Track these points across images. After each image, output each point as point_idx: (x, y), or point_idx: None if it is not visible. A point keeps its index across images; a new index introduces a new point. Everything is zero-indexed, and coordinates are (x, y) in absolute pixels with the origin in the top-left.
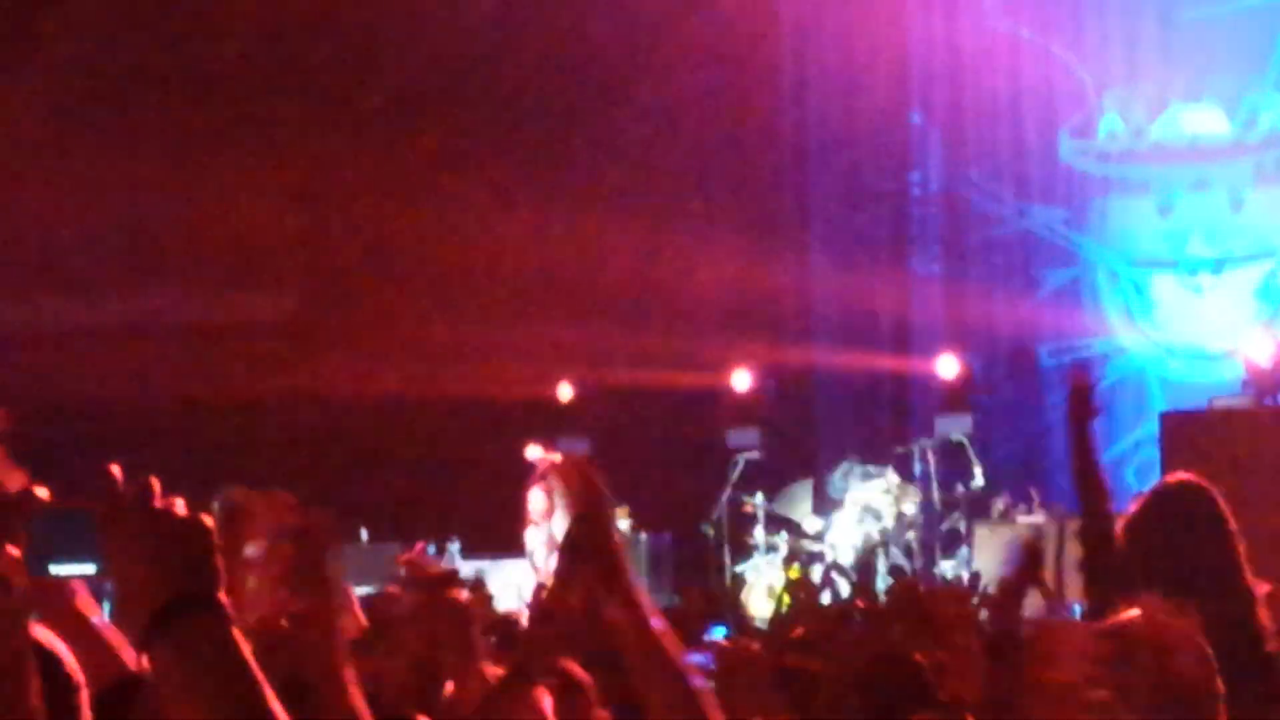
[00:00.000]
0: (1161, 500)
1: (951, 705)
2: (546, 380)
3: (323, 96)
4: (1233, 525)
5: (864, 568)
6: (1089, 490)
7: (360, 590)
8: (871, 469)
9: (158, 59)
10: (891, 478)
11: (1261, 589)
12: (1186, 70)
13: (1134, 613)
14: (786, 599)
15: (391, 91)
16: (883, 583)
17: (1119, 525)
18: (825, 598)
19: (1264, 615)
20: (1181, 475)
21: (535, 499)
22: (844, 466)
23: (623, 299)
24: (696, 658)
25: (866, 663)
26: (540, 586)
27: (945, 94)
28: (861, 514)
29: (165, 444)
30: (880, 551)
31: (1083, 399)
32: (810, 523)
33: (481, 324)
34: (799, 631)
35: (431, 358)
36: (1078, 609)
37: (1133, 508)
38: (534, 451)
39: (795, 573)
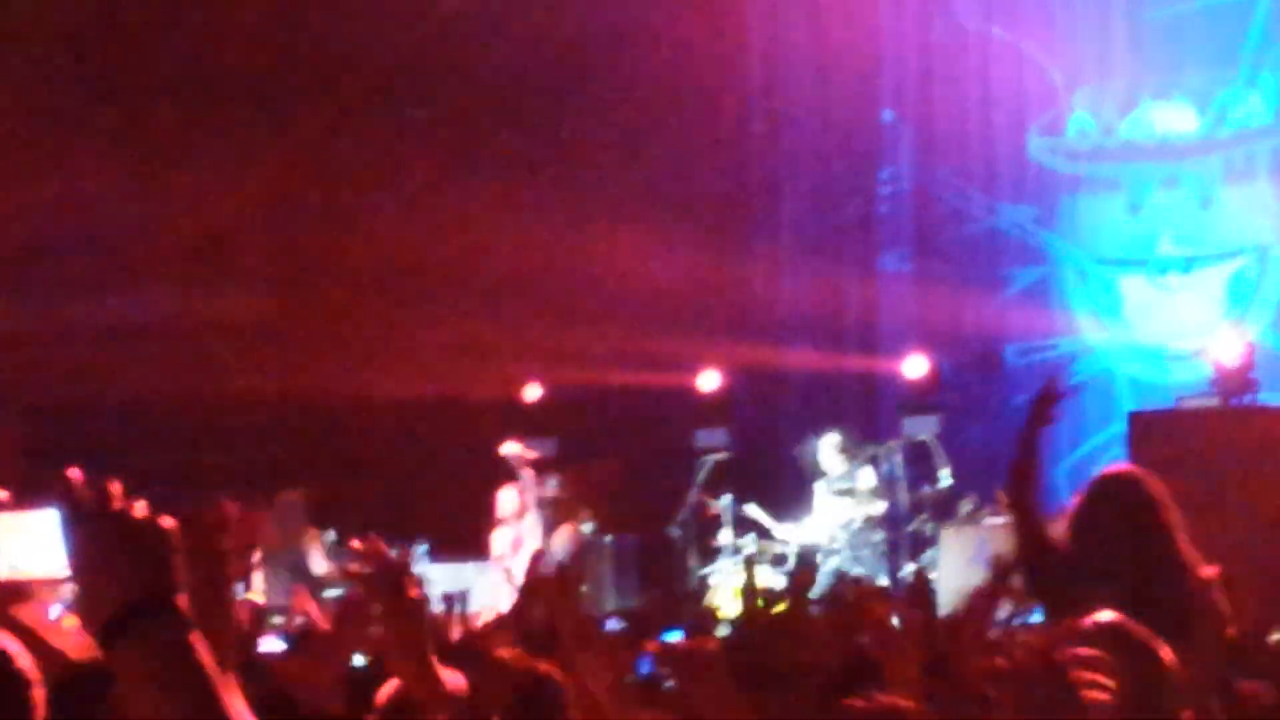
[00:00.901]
0: (1101, 491)
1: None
2: (514, 381)
3: (296, 96)
4: (1172, 511)
5: (803, 568)
6: (1023, 489)
7: (331, 592)
8: (854, 461)
9: (130, 59)
10: (867, 478)
11: (1210, 571)
12: (1156, 68)
13: (1104, 617)
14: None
15: (364, 92)
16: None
17: (1063, 518)
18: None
19: (1216, 597)
20: (1119, 465)
21: (505, 499)
22: (832, 440)
23: (590, 299)
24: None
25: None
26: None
27: (916, 92)
28: (830, 523)
29: (137, 443)
30: (824, 555)
31: (1046, 405)
32: (779, 527)
33: (449, 324)
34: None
35: (400, 358)
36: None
37: (1074, 500)
38: (508, 448)
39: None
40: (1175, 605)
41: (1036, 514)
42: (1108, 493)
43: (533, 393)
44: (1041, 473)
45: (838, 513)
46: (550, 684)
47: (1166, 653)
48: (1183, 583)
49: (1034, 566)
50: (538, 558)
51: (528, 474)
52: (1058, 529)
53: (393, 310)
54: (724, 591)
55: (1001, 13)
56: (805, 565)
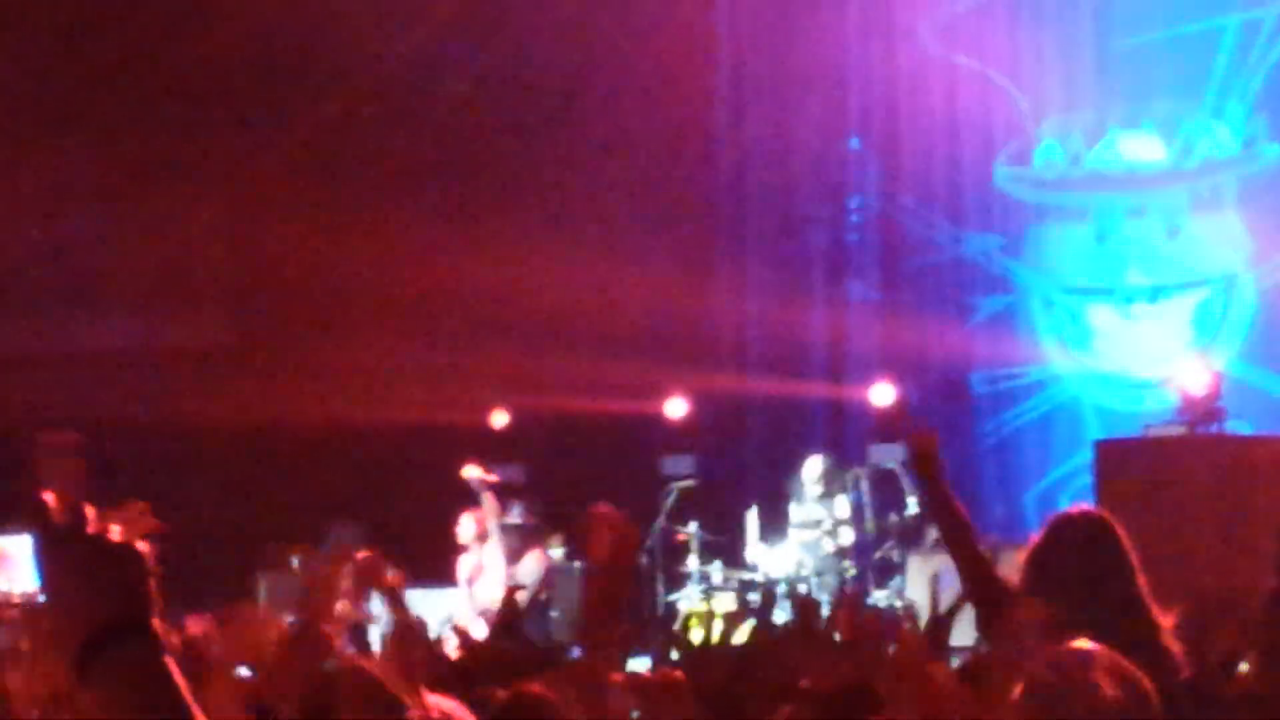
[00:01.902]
0: (1061, 531)
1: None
2: (481, 407)
3: (259, 121)
4: (1131, 554)
5: (764, 597)
6: (956, 538)
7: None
8: (832, 488)
9: (93, 84)
10: (842, 507)
11: (1167, 620)
12: (1123, 97)
13: (1084, 645)
14: (696, 627)
15: (328, 118)
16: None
17: (1022, 555)
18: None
19: (1172, 643)
20: (1081, 506)
21: (465, 525)
22: (816, 464)
23: (557, 325)
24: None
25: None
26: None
27: (882, 120)
28: (799, 550)
29: (97, 469)
30: (793, 584)
31: (925, 459)
32: (751, 550)
33: (416, 350)
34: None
35: (366, 384)
36: None
37: (1034, 539)
38: (469, 471)
39: (705, 605)
40: (1128, 649)
41: (977, 557)
42: (1067, 533)
43: (500, 419)
44: (963, 516)
45: (807, 540)
46: (543, 705)
47: (1149, 685)
48: (1136, 629)
49: (984, 604)
50: (512, 594)
51: (489, 498)
52: (1016, 564)
53: (357, 336)
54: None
55: (968, 42)
56: (767, 592)
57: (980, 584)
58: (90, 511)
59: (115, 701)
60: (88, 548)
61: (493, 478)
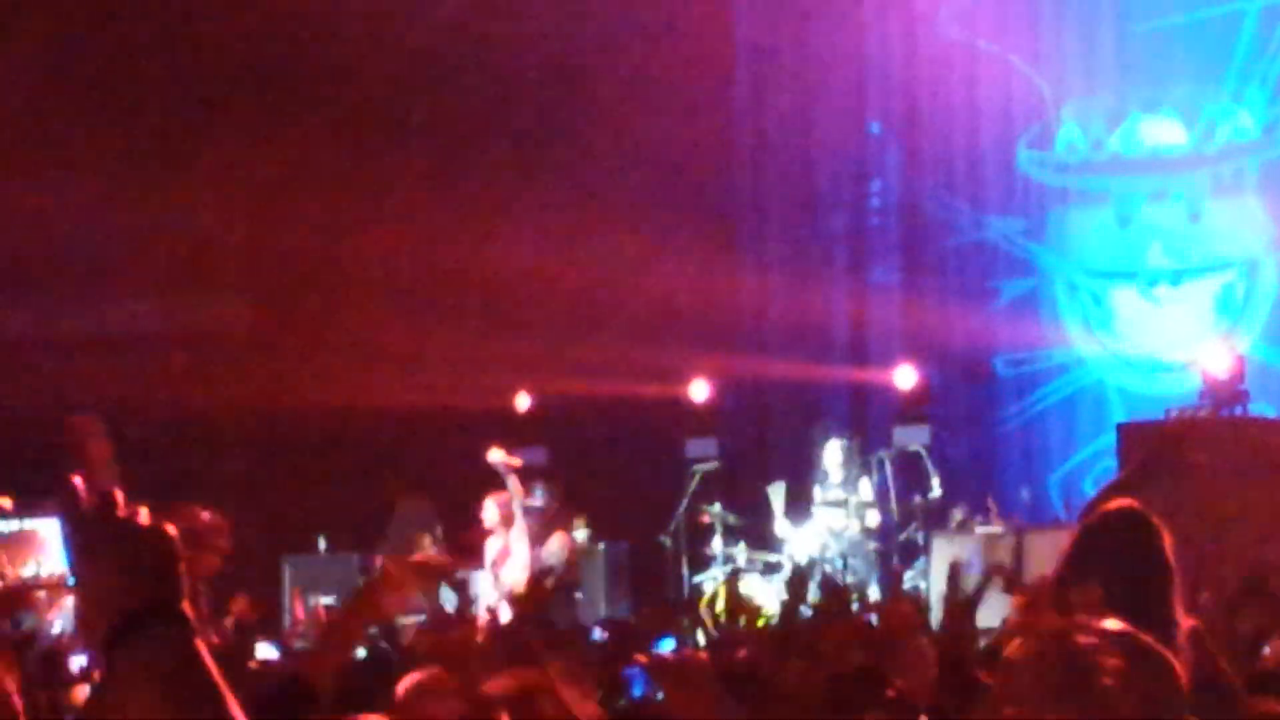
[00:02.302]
0: (1098, 533)
1: (900, 703)
2: (504, 390)
3: (282, 105)
4: (1171, 559)
5: (796, 580)
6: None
7: (323, 599)
8: (851, 470)
9: (112, 67)
10: (865, 490)
11: (1186, 623)
12: (1144, 81)
13: (1112, 624)
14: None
15: (350, 101)
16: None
17: (1062, 549)
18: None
19: (1186, 647)
20: (1122, 502)
21: (489, 509)
22: (836, 448)
23: (580, 309)
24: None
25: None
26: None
27: (903, 104)
28: (824, 531)
29: (122, 453)
30: (818, 565)
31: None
32: (779, 525)
33: (439, 334)
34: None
35: (389, 367)
36: None
37: (1072, 537)
38: (493, 454)
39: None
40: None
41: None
42: (1106, 534)
43: (523, 402)
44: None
45: (832, 522)
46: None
47: (1179, 665)
48: (1164, 636)
49: None
50: (542, 577)
51: (513, 481)
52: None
53: (379, 320)
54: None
55: (988, 26)
56: (798, 575)
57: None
58: (119, 495)
59: (146, 684)
60: (117, 531)
61: (517, 461)
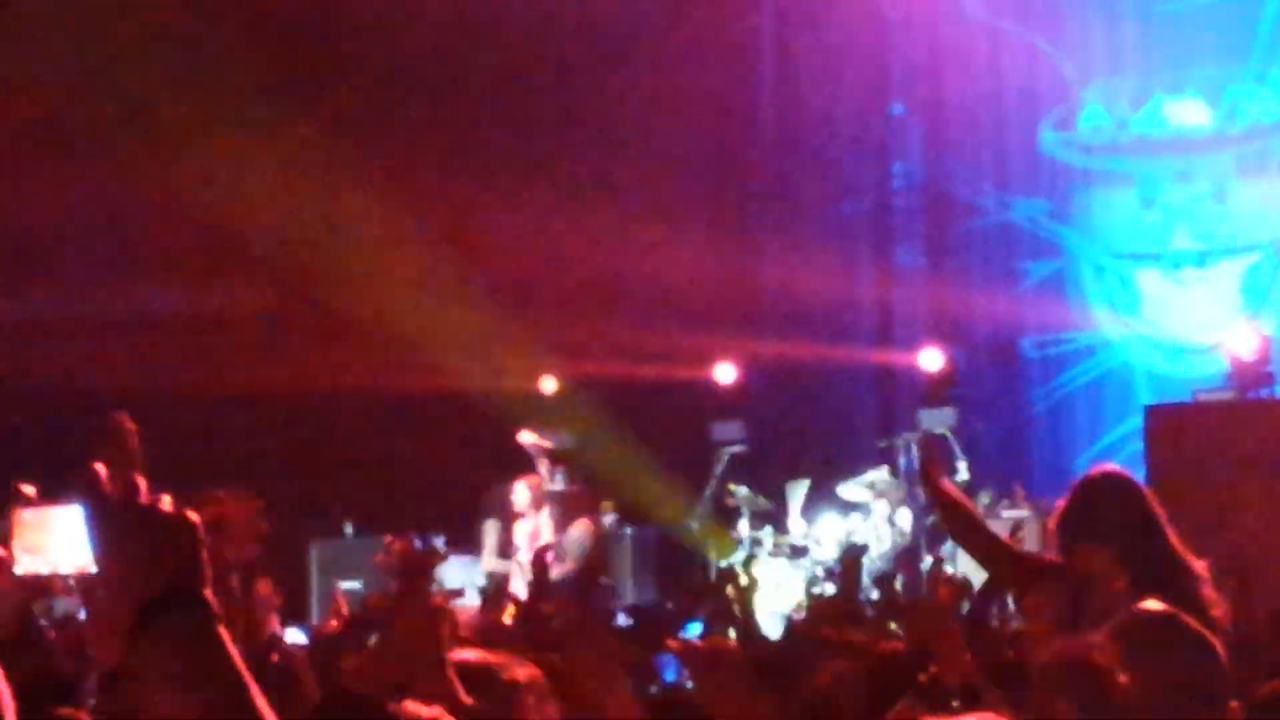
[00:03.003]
0: (1088, 492)
1: (933, 687)
2: (530, 373)
3: (302, 85)
4: (1159, 510)
5: (848, 568)
6: (969, 534)
7: (346, 584)
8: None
9: (132, 50)
10: (880, 474)
11: (1199, 564)
12: (1168, 62)
13: (1153, 606)
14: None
15: (372, 87)
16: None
17: (1051, 519)
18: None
19: (1212, 593)
20: (1105, 466)
21: (520, 492)
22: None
23: (606, 292)
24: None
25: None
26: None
27: (926, 86)
28: (846, 509)
29: (145, 437)
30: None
31: (933, 463)
32: (794, 523)
33: (465, 317)
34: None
35: (415, 351)
36: None
37: (1060, 503)
38: (525, 436)
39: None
40: (1173, 601)
41: (991, 543)
42: (1094, 493)
43: (549, 385)
44: (967, 509)
45: (850, 525)
46: (500, 682)
47: (1219, 643)
48: (1176, 580)
49: (1014, 584)
50: (543, 554)
51: (544, 464)
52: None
53: (410, 303)
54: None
55: (1012, 7)
56: (851, 557)
57: (1005, 566)
58: (142, 482)
59: (170, 671)
60: (140, 518)
61: (547, 443)
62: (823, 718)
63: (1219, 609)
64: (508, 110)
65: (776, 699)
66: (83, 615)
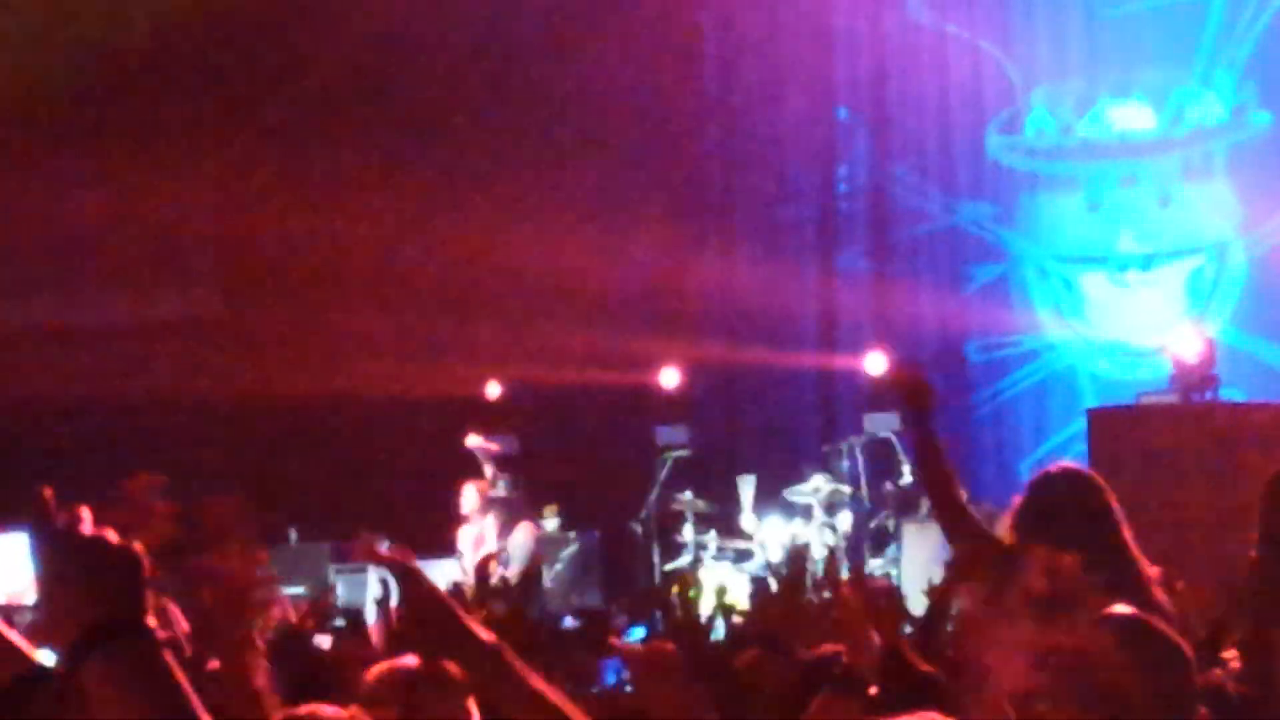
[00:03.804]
0: (1041, 491)
1: (849, 679)
2: (474, 378)
3: (247, 94)
4: (1116, 509)
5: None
6: (943, 491)
7: (290, 590)
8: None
9: (77, 57)
10: (819, 479)
11: (1153, 570)
12: (1114, 66)
13: (1121, 610)
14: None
15: (315, 89)
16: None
17: (1008, 516)
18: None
19: (1160, 595)
20: (1063, 463)
21: (468, 495)
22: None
23: (549, 296)
24: (612, 663)
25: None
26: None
27: (871, 90)
28: (790, 513)
29: (91, 444)
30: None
31: (915, 396)
32: (745, 520)
33: (408, 322)
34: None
35: (358, 355)
36: None
37: (1018, 500)
38: (472, 440)
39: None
40: (1128, 602)
41: (962, 510)
42: (1047, 491)
43: (494, 390)
44: (951, 466)
45: (796, 528)
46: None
47: (1187, 647)
48: (1129, 579)
49: (962, 541)
50: (485, 563)
51: (490, 469)
52: (1004, 526)
53: (354, 308)
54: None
55: (957, 10)
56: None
57: (969, 541)
58: (86, 512)
59: (111, 697)
60: (84, 548)
61: (494, 446)
62: (749, 709)
63: (1166, 611)
64: (448, 118)
65: (716, 701)
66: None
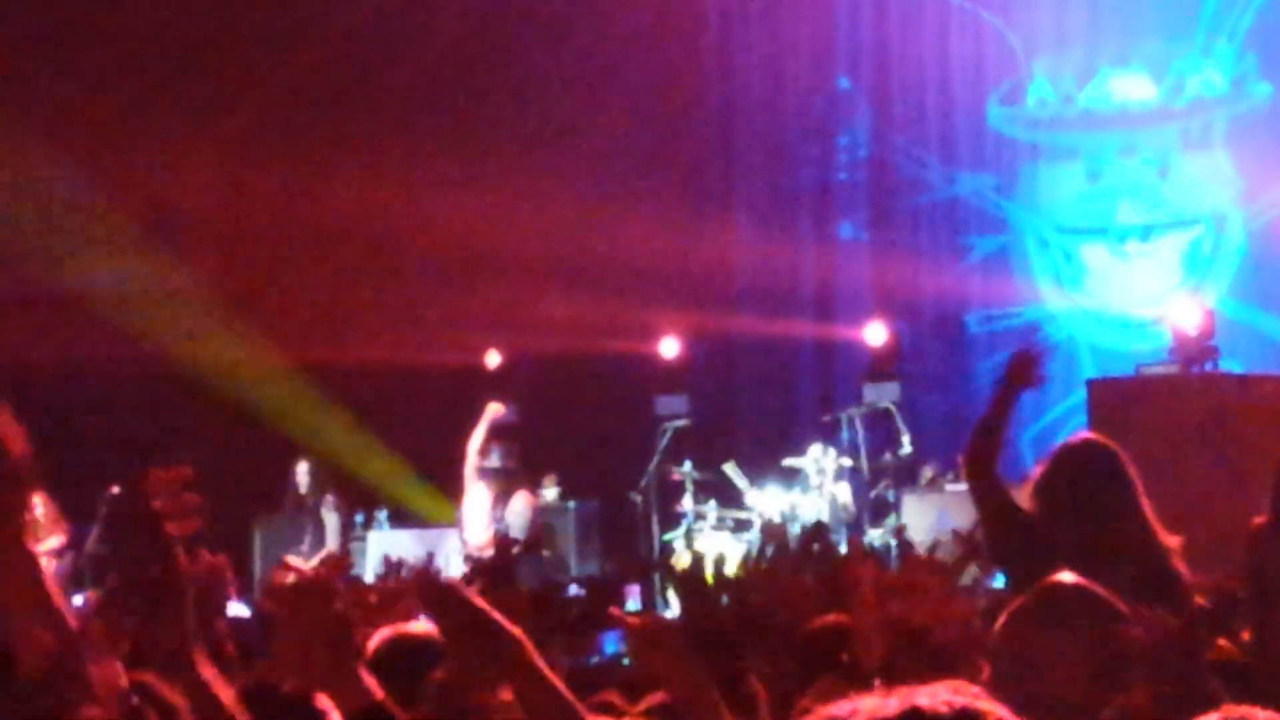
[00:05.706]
0: (1065, 459)
1: (853, 669)
2: (474, 347)
3: (247, 65)
4: (1136, 480)
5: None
6: (987, 451)
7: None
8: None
9: (77, 28)
10: (817, 449)
11: (1173, 540)
12: (1114, 37)
13: (1066, 578)
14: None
15: (313, 59)
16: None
17: (1026, 486)
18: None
19: (1182, 566)
20: (1083, 434)
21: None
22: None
23: (551, 266)
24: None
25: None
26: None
27: (873, 59)
28: (789, 483)
29: (88, 413)
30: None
31: (1024, 367)
32: (749, 496)
33: (409, 291)
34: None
35: (359, 325)
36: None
37: (1037, 470)
38: (495, 408)
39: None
40: (1141, 573)
41: (998, 478)
42: (1072, 461)
43: (493, 360)
44: (1006, 437)
45: (793, 497)
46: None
47: (1127, 616)
48: (1148, 551)
49: (996, 532)
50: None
51: (478, 437)
52: (1020, 497)
53: (355, 277)
54: (687, 558)
55: None
56: (775, 526)
57: (997, 510)
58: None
59: None
60: None
61: (514, 417)
62: (751, 691)
63: (1185, 583)
64: (452, 88)
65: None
66: None
